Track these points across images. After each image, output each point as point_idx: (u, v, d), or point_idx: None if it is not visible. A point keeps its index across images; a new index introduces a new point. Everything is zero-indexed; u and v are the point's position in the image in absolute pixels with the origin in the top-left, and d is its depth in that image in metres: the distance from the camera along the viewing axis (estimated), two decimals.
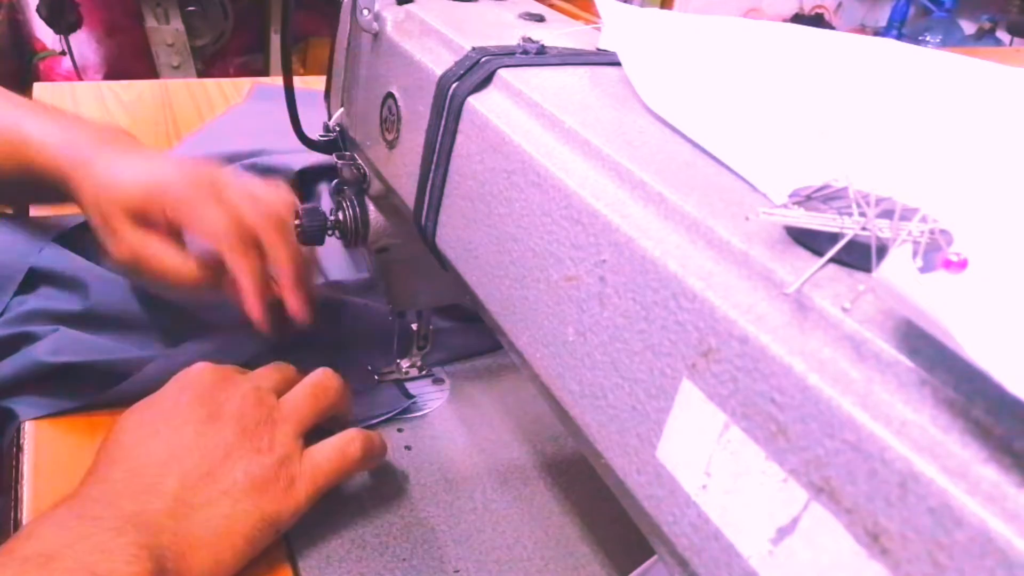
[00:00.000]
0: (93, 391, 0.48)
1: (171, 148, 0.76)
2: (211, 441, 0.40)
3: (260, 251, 0.46)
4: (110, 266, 0.52)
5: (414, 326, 0.53)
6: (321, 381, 0.45)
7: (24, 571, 0.32)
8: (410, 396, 0.54)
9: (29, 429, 0.47)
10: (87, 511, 0.36)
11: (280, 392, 0.44)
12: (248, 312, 0.46)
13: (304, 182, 0.72)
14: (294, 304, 0.47)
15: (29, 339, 0.49)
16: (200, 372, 0.43)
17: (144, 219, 0.46)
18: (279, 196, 0.48)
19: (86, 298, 0.53)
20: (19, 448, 0.46)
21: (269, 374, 0.45)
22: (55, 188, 0.49)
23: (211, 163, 0.51)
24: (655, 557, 0.38)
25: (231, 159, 0.74)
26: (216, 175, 0.48)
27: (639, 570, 0.39)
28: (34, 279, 0.55)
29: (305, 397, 0.44)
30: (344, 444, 0.42)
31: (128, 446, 0.40)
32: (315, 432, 0.44)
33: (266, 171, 0.73)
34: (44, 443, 0.47)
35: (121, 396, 0.47)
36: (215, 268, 0.46)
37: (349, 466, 0.43)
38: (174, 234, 0.46)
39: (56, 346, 0.48)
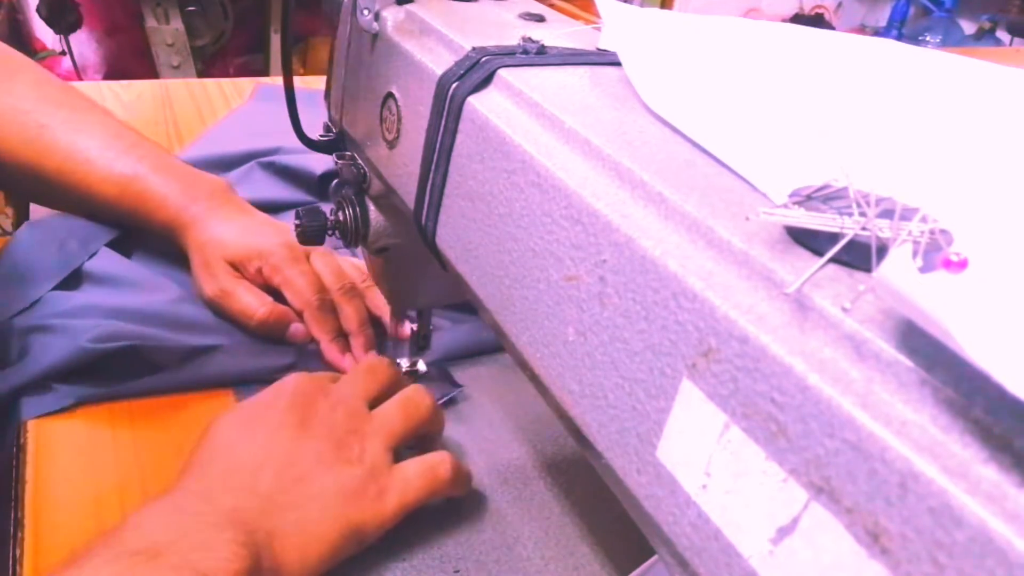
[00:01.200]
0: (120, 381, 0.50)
1: (175, 151, 0.76)
2: (304, 447, 0.41)
3: (335, 311, 0.57)
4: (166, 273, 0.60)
5: (414, 326, 0.53)
6: (412, 397, 0.45)
7: (133, 565, 0.32)
8: (457, 385, 0.55)
9: (31, 428, 0.47)
10: (188, 506, 0.37)
11: (372, 401, 0.45)
12: (332, 362, 0.55)
13: (323, 180, 0.73)
14: (359, 357, 0.56)
15: (47, 331, 0.51)
16: (296, 380, 0.44)
17: (239, 269, 0.57)
18: (352, 265, 0.60)
19: (138, 295, 0.56)
20: (20, 448, 0.47)
21: (362, 380, 0.46)
22: (164, 235, 0.60)
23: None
24: (655, 557, 0.38)
25: (247, 158, 0.75)
26: (306, 247, 0.57)
27: (639, 570, 0.39)
28: (80, 279, 0.57)
29: (396, 411, 0.44)
30: (436, 463, 0.43)
31: (224, 446, 0.41)
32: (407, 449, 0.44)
33: (284, 171, 0.73)
34: (45, 443, 0.47)
35: (153, 386, 0.51)
36: (282, 317, 0.56)
37: (439, 487, 0.43)
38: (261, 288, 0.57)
39: (100, 334, 0.50)
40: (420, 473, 0.42)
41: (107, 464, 0.46)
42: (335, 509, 0.39)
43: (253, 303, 0.55)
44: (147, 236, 0.62)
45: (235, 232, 0.58)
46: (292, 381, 0.44)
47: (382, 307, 0.57)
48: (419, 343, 0.54)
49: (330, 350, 0.56)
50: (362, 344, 0.56)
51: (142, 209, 0.60)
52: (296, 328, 0.56)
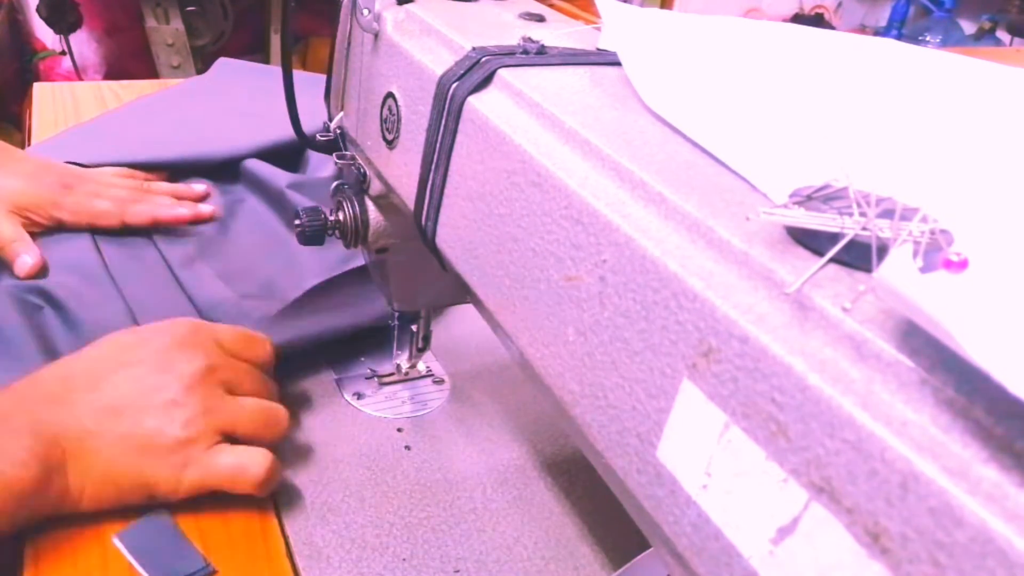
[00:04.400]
0: None
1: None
2: (138, 387, 0.42)
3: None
4: None
5: (414, 327, 0.53)
6: (274, 415, 0.45)
7: None
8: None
9: None
10: (3, 406, 0.39)
11: (237, 383, 0.45)
12: (181, 220, 0.65)
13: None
14: (199, 215, 0.67)
15: None
16: (183, 324, 0.46)
17: (29, 217, 0.60)
18: (123, 175, 0.69)
19: None
20: None
21: (237, 363, 0.46)
22: None
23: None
24: (640, 556, 0.38)
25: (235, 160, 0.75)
26: (78, 174, 0.64)
27: (622, 570, 0.39)
28: None
29: (251, 416, 0.44)
30: (250, 463, 0.42)
31: (84, 357, 0.43)
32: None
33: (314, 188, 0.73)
34: None
35: None
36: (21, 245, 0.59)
37: (242, 484, 0.42)
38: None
39: None
40: (231, 464, 0.42)
41: None
42: (133, 457, 0.40)
43: (6, 231, 0.59)
44: None
45: (14, 181, 0.61)
46: (185, 329, 0.45)
47: (173, 190, 0.67)
48: (419, 343, 0.54)
49: (166, 213, 0.64)
50: (191, 211, 0.66)
51: None
52: (22, 261, 0.58)
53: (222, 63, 0.99)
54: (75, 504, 0.40)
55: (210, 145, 0.76)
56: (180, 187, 0.70)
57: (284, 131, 0.76)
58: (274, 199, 0.71)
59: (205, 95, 0.90)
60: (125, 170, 0.69)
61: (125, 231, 0.64)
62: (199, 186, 0.71)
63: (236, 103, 0.87)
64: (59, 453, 0.38)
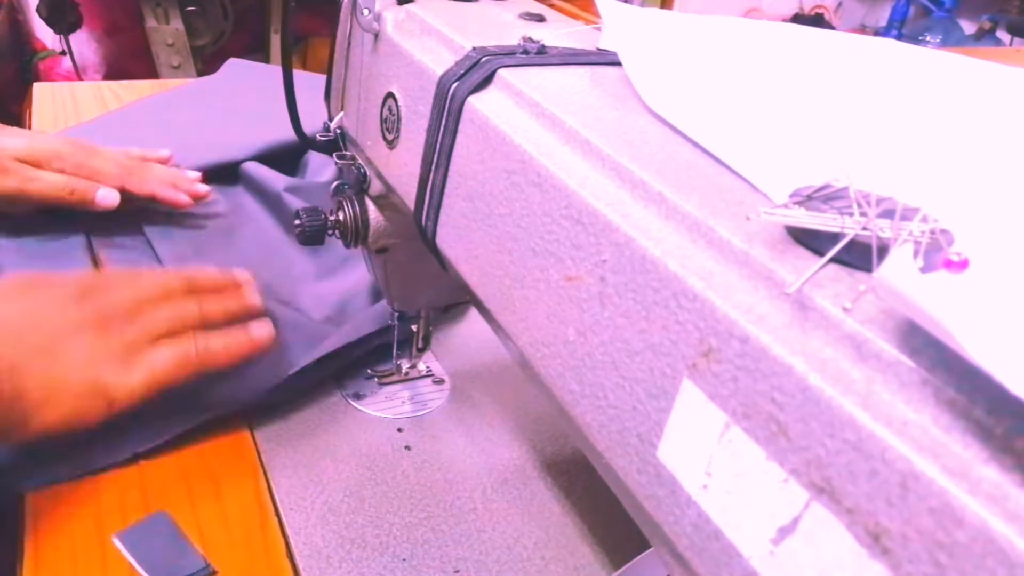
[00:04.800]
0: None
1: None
2: (70, 311, 0.44)
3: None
4: None
5: (414, 327, 0.53)
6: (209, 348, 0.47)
7: None
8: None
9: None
10: None
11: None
12: (172, 202, 0.64)
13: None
14: (194, 192, 0.67)
15: None
16: (89, 275, 0.51)
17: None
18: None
19: None
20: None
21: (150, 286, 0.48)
22: None
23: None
24: (640, 556, 0.38)
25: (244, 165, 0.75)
26: (76, 140, 0.63)
27: (622, 570, 0.39)
28: None
29: (174, 350, 0.46)
30: (187, 348, 0.46)
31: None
32: None
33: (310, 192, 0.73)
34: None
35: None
36: (89, 187, 0.60)
37: (190, 368, 0.46)
38: None
39: None
40: (173, 354, 0.45)
41: (107, 466, 0.46)
42: (84, 366, 0.43)
43: (59, 179, 0.59)
44: None
45: (18, 140, 0.60)
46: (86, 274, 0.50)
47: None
48: (419, 343, 0.54)
49: (165, 192, 0.64)
50: (185, 187, 0.66)
51: None
52: (103, 194, 0.61)
53: (231, 64, 1.00)
54: (29, 413, 0.41)
55: (211, 148, 0.76)
56: (179, 174, 0.69)
57: (284, 133, 0.77)
58: (271, 202, 0.71)
59: (209, 97, 0.90)
60: (129, 150, 0.69)
61: (118, 232, 0.64)
62: (194, 174, 0.70)
63: (239, 105, 0.87)
64: (4, 366, 0.40)
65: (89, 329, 0.44)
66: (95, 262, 0.61)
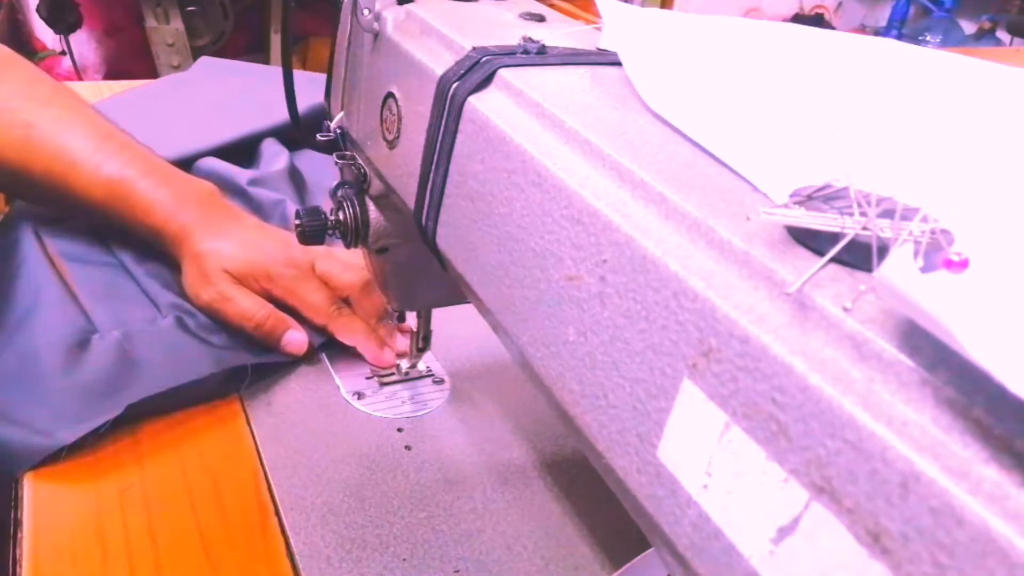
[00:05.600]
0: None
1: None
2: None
3: (352, 312, 0.59)
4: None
5: (414, 326, 0.53)
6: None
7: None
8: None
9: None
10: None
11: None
12: (373, 360, 0.57)
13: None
14: (393, 346, 0.59)
15: None
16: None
17: (242, 283, 0.57)
18: (357, 264, 0.60)
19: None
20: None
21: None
22: (152, 240, 0.61)
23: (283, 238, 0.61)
24: (640, 556, 0.38)
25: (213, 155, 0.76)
26: (308, 253, 0.58)
27: (622, 570, 0.39)
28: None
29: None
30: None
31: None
32: None
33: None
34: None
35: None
36: (281, 321, 0.56)
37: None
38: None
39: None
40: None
41: (107, 466, 0.46)
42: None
43: (252, 306, 0.55)
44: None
45: (235, 247, 0.58)
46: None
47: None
48: (419, 343, 0.54)
49: (368, 349, 0.57)
50: (388, 332, 0.59)
51: (129, 214, 0.59)
52: (290, 337, 0.55)
53: (203, 62, 1.01)
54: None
55: (178, 141, 0.76)
56: (385, 322, 0.60)
57: (250, 125, 0.79)
58: (238, 195, 0.71)
59: (178, 92, 0.92)
60: (356, 266, 0.61)
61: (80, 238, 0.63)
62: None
63: (207, 100, 0.88)
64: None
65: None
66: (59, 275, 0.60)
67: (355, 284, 0.58)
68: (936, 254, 0.18)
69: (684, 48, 0.34)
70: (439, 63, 0.34)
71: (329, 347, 0.58)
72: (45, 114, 0.60)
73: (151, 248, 0.61)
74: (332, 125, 0.47)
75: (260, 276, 0.57)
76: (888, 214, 0.19)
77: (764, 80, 0.32)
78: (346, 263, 0.60)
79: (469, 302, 0.37)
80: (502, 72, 0.32)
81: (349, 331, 0.57)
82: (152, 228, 0.59)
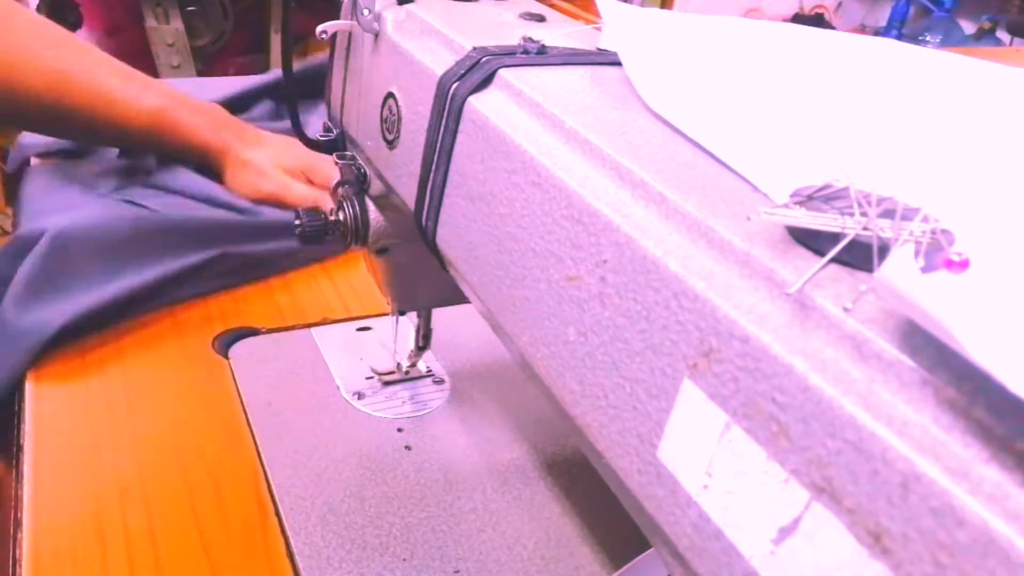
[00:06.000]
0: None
1: None
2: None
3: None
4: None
5: (414, 325, 0.53)
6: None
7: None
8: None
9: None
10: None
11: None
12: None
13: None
14: None
15: None
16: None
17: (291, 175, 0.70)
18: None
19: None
20: (19, 448, 0.47)
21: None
22: (198, 158, 0.71)
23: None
24: (640, 556, 0.38)
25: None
26: (319, 155, 0.68)
27: (622, 570, 0.39)
28: None
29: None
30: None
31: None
32: None
33: None
34: (44, 442, 0.47)
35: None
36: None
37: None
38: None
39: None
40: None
41: (107, 466, 0.46)
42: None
43: (307, 191, 0.68)
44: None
45: (276, 153, 0.71)
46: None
47: None
48: (419, 343, 0.54)
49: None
50: None
51: (177, 137, 0.69)
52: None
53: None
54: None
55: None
56: None
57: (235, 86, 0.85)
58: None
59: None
60: None
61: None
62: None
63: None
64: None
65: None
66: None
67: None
68: (936, 254, 0.18)
69: (684, 48, 0.34)
70: (439, 63, 0.34)
71: (329, 347, 0.58)
72: (68, 56, 0.65)
73: None
74: (332, 125, 0.47)
75: (304, 170, 0.70)
76: (888, 214, 0.19)
77: (764, 80, 0.32)
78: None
79: (469, 302, 0.37)
80: (502, 72, 0.32)
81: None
82: (200, 146, 0.70)
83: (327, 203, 0.59)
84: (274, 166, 0.69)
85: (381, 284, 0.53)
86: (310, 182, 0.70)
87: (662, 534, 0.23)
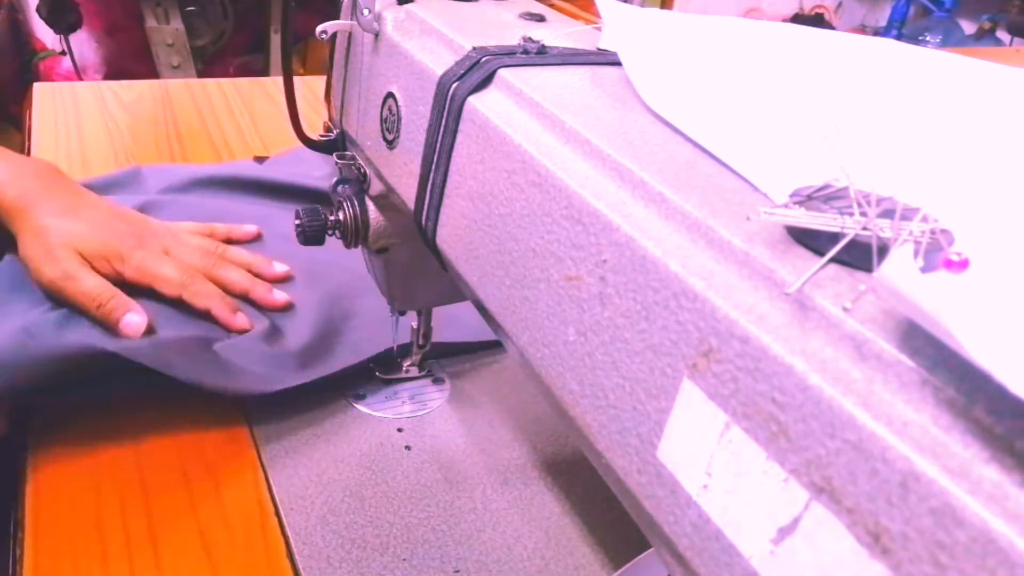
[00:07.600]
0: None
1: (175, 152, 0.76)
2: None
3: (214, 280, 0.58)
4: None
5: (414, 325, 0.53)
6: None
7: None
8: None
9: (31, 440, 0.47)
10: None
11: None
12: (226, 323, 0.56)
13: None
14: (269, 302, 0.59)
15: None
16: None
17: (90, 262, 0.55)
18: (201, 232, 0.63)
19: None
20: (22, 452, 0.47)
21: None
22: None
23: (138, 216, 0.61)
24: (640, 556, 0.38)
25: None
26: (153, 228, 0.59)
27: (622, 570, 0.39)
28: None
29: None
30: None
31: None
32: None
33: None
34: (45, 451, 0.47)
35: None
36: (124, 305, 0.53)
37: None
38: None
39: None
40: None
41: (107, 466, 0.46)
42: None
43: (95, 287, 0.53)
44: None
45: (86, 227, 0.56)
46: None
47: (249, 263, 0.62)
48: (419, 343, 0.54)
49: (222, 313, 0.56)
50: (260, 296, 0.59)
51: None
52: (128, 319, 0.52)
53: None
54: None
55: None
56: (257, 260, 0.62)
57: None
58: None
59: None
60: (205, 227, 0.64)
61: None
62: (280, 267, 0.63)
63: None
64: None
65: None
66: None
67: (212, 255, 0.60)
68: (936, 254, 0.18)
69: (684, 48, 0.34)
70: (439, 63, 0.34)
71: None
72: None
73: None
74: (332, 125, 0.47)
75: (112, 257, 0.55)
76: (888, 214, 0.19)
77: (764, 80, 0.32)
78: (195, 242, 0.61)
79: (469, 302, 0.37)
80: (502, 72, 0.32)
81: (203, 297, 0.56)
82: None
83: (109, 308, 0.52)
84: (68, 247, 0.54)
85: (381, 284, 0.53)
86: (119, 273, 0.55)
87: (662, 534, 0.23)
